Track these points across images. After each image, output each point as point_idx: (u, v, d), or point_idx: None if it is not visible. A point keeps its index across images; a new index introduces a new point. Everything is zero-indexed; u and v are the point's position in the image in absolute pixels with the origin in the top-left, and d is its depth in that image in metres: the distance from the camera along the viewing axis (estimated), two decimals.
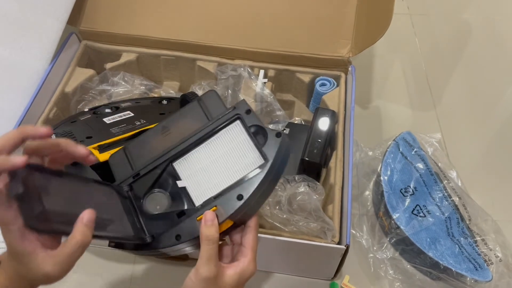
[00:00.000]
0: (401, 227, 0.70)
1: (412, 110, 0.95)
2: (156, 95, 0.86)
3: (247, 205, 0.48)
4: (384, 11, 0.72)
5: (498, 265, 0.69)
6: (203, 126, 0.53)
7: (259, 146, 0.50)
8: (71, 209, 0.42)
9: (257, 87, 0.78)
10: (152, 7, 0.83)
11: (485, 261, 0.69)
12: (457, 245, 0.69)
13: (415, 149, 0.79)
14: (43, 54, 0.78)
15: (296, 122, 0.83)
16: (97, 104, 0.79)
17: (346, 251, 0.61)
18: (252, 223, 0.49)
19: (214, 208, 0.47)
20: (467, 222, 0.74)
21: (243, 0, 0.82)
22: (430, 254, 0.67)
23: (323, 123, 0.72)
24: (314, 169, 0.70)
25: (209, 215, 0.46)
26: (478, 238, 0.72)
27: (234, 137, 0.52)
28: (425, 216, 0.72)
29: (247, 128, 0.51)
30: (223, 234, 0.49)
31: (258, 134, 0.51)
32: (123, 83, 0.82)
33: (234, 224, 0.49)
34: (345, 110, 0.77)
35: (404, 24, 1.12)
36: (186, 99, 0.68)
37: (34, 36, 0.77)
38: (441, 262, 0.67)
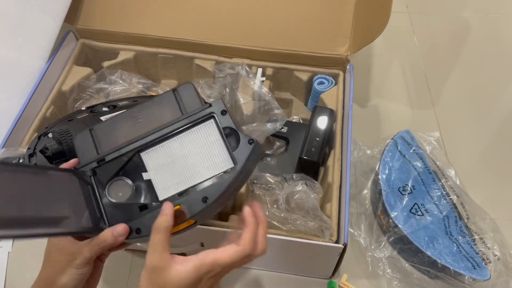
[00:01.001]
0: (399, 225, 0.70)
1: (411, 109, 0.95)
2: (153, 94, 0.85)
3: (211, 207, 0.48)
4: (383, 9, 0.72)
5: (496, 263, 0.69)
6: (176, 119, 0.52)
7: (230, 150, 0.50)
8: (26, 209, 0.41)
9: (255, 85, 0.78)
10: (150, 5, 0.83)
11: (483, 259, 0.69)
12: (455, 244, 0.69)
13: (413, 148, 0.79)
14: (40, 53, 0.77)
15: (294, 120, 0.83)
16: (94, 102, 0.79)
17: (344, 249, 0.61)
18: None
19: (178, 207, 0.47)
20: (465, 220, 0.74)
21: None
22: (428, 252, 0.67)
23: (321, 122, 0.72)
24: (312, 167, 0.70)
25: (166, 207, 0.46)
26: (476, 237, 0.72)
27: (207, 135, 0.51)
28: (423, 214, 0.72)
29: (220, 129, 0.51)
30: (182, 231, 0.49)
31: (230, 137, 0.51)
32: (120, 81, 0.82)
33: (195, 223, 0.50)
34: (343, 108, 0.76)
35: (402, 23, 1.11)
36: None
37: (31, 35, 0.77)
38: (439, 261, 0.67)
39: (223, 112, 0.51)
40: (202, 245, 0.67)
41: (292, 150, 0.74)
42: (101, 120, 0.69)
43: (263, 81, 0.80)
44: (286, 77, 0.84)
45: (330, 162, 0.70)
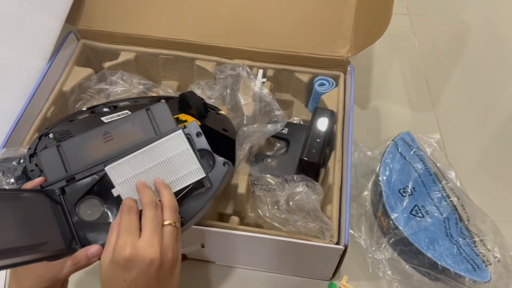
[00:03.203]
0: (400, 227, 0.70)
1: (411, 110, 0.95)
2: (154, 95, 0.85)
3: (184, 227, 0.49)
4: (383, 11, 0.72)
5: (496, 265, 0.69)
6: (149, 140, 0.51)
7: (206, 171, 0.50)
8: (4, 241, 0.39)
9: (255, 86, 0.78)
10: (151, 6, 0.83)
11: (484, 261, 0.69)
12: (455, 246, 0.69)
13: (414, 149, 0.79)
14: (41, 53, 0.77)
15: (295, 122, 0.83)
16: (95, 103, 0.79)
17: (345, 251, 0.61)
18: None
19: None
20: (466, 222, 0.74)
21: (242, 0, 0.82)
22: (429, 254, 0.67)
23: (322, 123, 0.72)
24: (312, 169, 0.70)
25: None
26: (476, 239, 0.72)
27: (176, 146, 0.50)
28: (423, 216, 0.72)
29: (189, 139, 0.51)
30: None
31: (204, 158, 0.51)
32: (121, 82, 0.82)
33: None
34: (344, 110, 0.76)
35: (403, 25, 1.12)
36: (184, 99, 0.68)
37: (32, 35, 0.77)
38: (439, 263, 0.67)
39: (198, 134, 0.52)
40: (203, 246, 0.67)
41: (293, 151, 0.74)
42: (102, 121, 0.69)
43: (263, 82, 0.80)
44: (287, 79, 0.84)
45: (330, 163, 0.70)
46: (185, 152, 0.50)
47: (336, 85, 0.80)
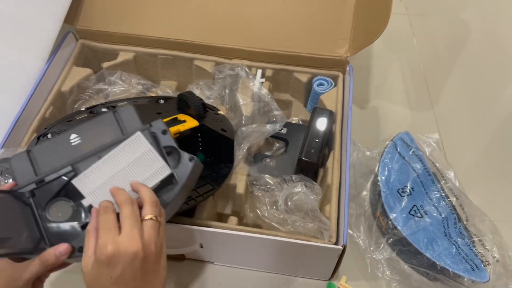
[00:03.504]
0: (398, 227, 0.70)
1: (410, 110, 0.95)
2: (153, 95, 0.85)
3: None
4: (382, 11, 0.72)
5: (495, 265, 0.69)
6: (116, 140, 0.52)
7: (172, 167, 0.51)
8: None
9: (254, 86, 0.78)
10: (150, 6, 0.83)
11: (482, 261, 0.69)
12: (454, 246, 0.69)
13: (412, 149, 0.79)
14: (40, 53, 0.77)
15: (293, 122, 0.83)
16: (93, 103, 0.79)
17: (343, 251, 0.61)
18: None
19: None
20: (465, 222, 0.74)
21: (241, 0, 0.82)
22: (427, 254, 0.67)
23: (321, 123, 0.72)
24: (311, 169, 0.70)
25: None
26: (475, 239, 0.72)
27: (137, 148, 0.51)
28: (422, 216, 0.72)
29: (150, 140, 0.51)
30: None
31: (171, 155, 0.52)
32: (120, 82, 0.82)
33: None
34: (342, 110, 0.77)
35: (402, 24, 1.12)
36: (183, 99, 0.69)
37: (31, 35, 0.77)
38: (438, 263, 0.67)
39: (164, 132, 0.52)
40: (201, 246, 0.67)
41: (292, 151, 0.74)
42: None
43: (262, 82, 0.80)
44: (285, 79, 0.84)
45: (329, 163, 0.70)
46: (148, 152, 0.51)
47: (335, 85, 0.80)
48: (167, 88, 0.87)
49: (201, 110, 0.67)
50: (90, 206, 0.49)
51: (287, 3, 0.81)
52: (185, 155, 0.52)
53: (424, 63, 1.04)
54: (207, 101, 0.76)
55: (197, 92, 0.81)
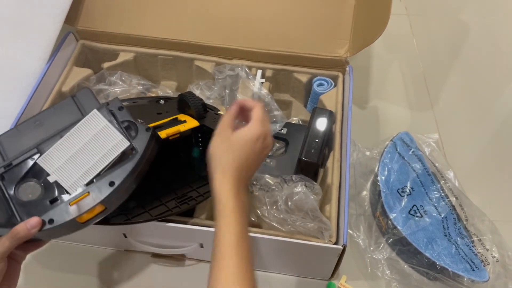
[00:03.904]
0: (398, 227, 0.70)
1: (410, 111, 0.95)
2: (153, 95, 0.85)
3: (118, 190, 0.53)
4: (382, 12, 0.72)
5: (494, 265, 0.69)
6: (75, 121, 0.55)
7: (130, 137, 0.55)
8: None
9: (254, 87, 0.78)
10: (150, 6, 0.83)
11: (482, 261, 0.69)
12: (453, 245, 0.70)
13: (412, 149, 0.80)
14: (40, 54, 0.77)
15: (293, 122, 0.83)
16: None
17: (343, 251, 0.62)
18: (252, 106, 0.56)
19: (86, 194, 0.51)
20: (464, 222, 0.74)
21: (241, 0, 0.82)
22: (427, 254, 0.67)
23: (321, 123, 0.72)
24: (311, 169, 0.70)
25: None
26: (475, 238, 0.72)
27: (95, 125, 0.55)
28: (422, 216, 0.72)
29: (106, 116, 0.55)
30: (94, 219, 0.53)
31: (129, 128, 0.56)
32: (120, 82, 0.82)
33: (106, 209, 0.53)
34: (342, 110, 0.77)
35: (402, 25, 1.12)
36: (183, 99, 0.69)
37: (31, 36, 0.77)
38: (438, 262, 0.67)
39: (120, 108, 0.57)
40: (202, 246, 0.67)
41: (292, 151, 0.74)
42: None
43: (262, 82, 0.80)
44: (285, 79, 0.84)
45: (329, 163, 0.70)
46: (106, 128, 0.54)
47: (335, 85, 0.80)
48: (167, 89, 0.87)
49: (202, 110, 0.67)
50: (56, 183, 0.52)
51: (287, 3, 0.81)
52: (142, 127, 0.56)
53: (423, 63, 1.04)
54: (207, 102, 0.77)
55: (197, 92, 0.81)
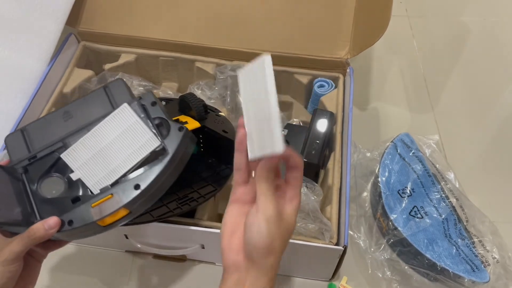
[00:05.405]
0: (399, 228, 0.70)
1: (410, 112, 0.95)
2: None
3: (144, 195, 0.48)
4: (382, 13, 0.72)
5: (495, 266, 0.69)
6: (106, 114, 0.52)
7: (161, 137, 0.50)
8: None
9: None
10: (151, 8, 0.84)
11: (482, 262, 0.69)
12: (454, 247, 0.70)
13: (413, 151, 0.80)
14: (42, 55, 0.78)
15: (294, 123, 0.83)
16: None
17: (344, 252, 0.62)
18: (298, 164, 0.44)
19: (110, 196, 0.47)
20: (465, 223, 0.74)
21: (242, 2, 0.82)
22: (428, 255, 0.67)
23: (321, 125, 0.73)
24: (312, 170, 0.70)
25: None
26: (475, 240, 0.72)
27: (124, 120, 0.51)
28: (422, 217, 0.72)
29: (137, 111, 0.51)
30: (117, 223, 0.49)
31: (161, 127, 0.51)
32: None
33: (130, 213, 0.49)
34: (343, 111, 0.77)
35: (402, 26, 1.12)
36: (184, 100, 0.69)
37: (33, 37, 0.77)
38: (438, 263, 0.67)
39: (153, 104, 0.52)
40: (203, 247, 0.67)
41: None
42: None
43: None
44: (286, 80, 0.84)
45: (330, 164, 0.71)
46: (135, 124, 0.50)
47: (336, 87, 0.81)
48: (168, 90, 0.87)
49: (203, 111, 0.67)
50: (80, 180, 0.49)
51: (288, 5, 0.81)
52: (175, 125, 0.51)
53: (424, 65, 1.04)
54: (208, 102, 0.77)
55: (198, 92, 0.82)
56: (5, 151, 0.68)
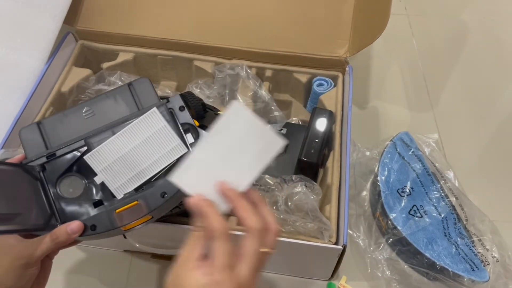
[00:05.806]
0: (398, 227, 0.70)
1: (410, 111, 0.95)
2: None
3: (169, 202, 0.47)
4: (382, 12, 0.72)
5: (495, 265, 0.69)
6: (130, 115, 0.50)
7: (188, 144, 0.49)
8: None
9: (254, 86, 0.78)
10: (149, 7, 0.83)
11: (482, 261, 0.69)
12: (454, 246, 0.70)
13: (412, 150, 0.80)
14: (40, 54, 0.77)
15: (293, 122, 0.83)
16: None
17: (343, 251, 0.61)
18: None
19: (135, 203, 0.46)
20: (464, 222, 0.74)
21: (241, 0, 0.82)
22: (427, 254, 0.67)
23: (321, 123, 0.72)
24: (311, 169, 0.70)
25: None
26: (475, 239, 0.72)
27: (152, 125, 0.49)
28: (422, 216, 0.72)
29: (166, 116, 0.49)
30: (138, 227, 0.48)
31: (189, 133, 0.50)
32: (119, 82, 0.82)
33: (152, 218, 0.48)
34: (342, 110, 0.77)
35: (401, 25, 1.12)
36: (183, 99, 0.69)
37: (31, 36, 0.77)
38: (438, 263, 0.67)
39: (181, 108, 0.50)
40: None
41: (291, 151, 0.74)
42: None
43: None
44: (285, 79, 0.84)
45: (329, 163, 0.70)
46: (163, 129, 0.49)
47: (335, 86, 0.80)
48: (166, 89, 0.87)
49: (201, 110, 0.67)
50: (103, 184, 0.47)
51: (287, 3, 0.81)
52: (203, 133, 0.49)
53: (423, 64, 1.04)
54: (206, 100, 0.77)
55: (196, 91, 0.81)
56: (3, 149, 0.68)
